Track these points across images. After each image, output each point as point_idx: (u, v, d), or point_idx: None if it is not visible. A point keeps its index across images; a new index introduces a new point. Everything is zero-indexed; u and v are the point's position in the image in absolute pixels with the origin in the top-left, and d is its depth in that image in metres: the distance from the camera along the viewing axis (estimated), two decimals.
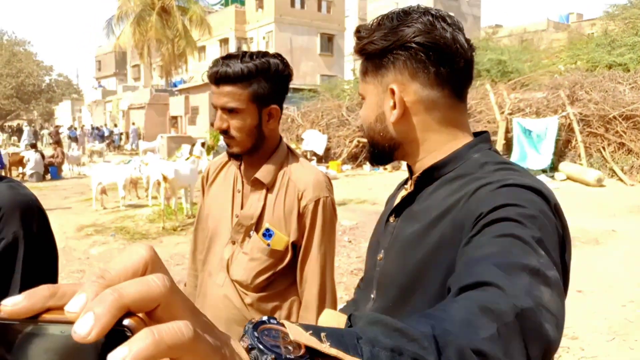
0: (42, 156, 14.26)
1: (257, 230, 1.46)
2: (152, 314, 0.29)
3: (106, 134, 27.90)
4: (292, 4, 29.95)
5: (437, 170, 0.89)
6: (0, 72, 45.11)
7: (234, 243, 1.49)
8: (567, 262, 0.73)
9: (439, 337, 0.44)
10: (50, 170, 14.46)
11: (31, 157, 13.77)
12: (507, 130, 12.08)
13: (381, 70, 0.89)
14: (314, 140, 15.48)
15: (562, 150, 11.56)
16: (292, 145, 14.50)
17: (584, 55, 14.79)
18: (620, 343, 3.56)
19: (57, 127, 27.26)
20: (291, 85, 1.50)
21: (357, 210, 8.22)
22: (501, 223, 0.66)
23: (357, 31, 0.92)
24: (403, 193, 0.97)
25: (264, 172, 1.47)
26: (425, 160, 0.91)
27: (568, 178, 10.81)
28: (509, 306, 0.51)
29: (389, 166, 12.76)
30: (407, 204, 0.92)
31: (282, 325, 0.37)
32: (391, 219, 0.96)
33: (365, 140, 1.05)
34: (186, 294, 0.34)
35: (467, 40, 0.87)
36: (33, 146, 15.00)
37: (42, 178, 14.02)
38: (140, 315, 0.29)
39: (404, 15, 0.86)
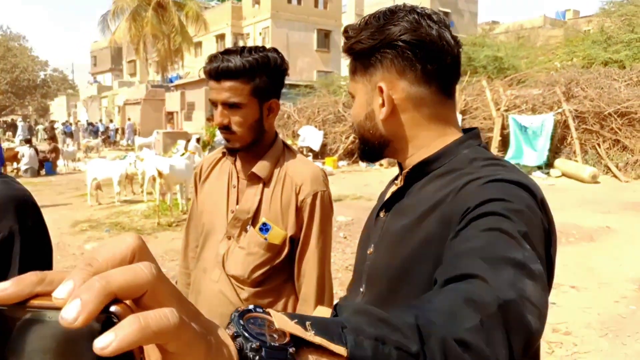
0: (37, 151, 14.20)
1: (253, 224, 1.46)
2: (138, 301, 0.29)
3: (101, 129, 27.80)
4: (289, 0, 29.86)
5: (427, 166, 0.90)
6: None
7: (229, 238, 1.49)
8: (553, 256, 0.75)
9: (423, 327, 0.45)
10: (45, 165, 14.40)
11: (25, 152, 13.70)
12: (503, 127, 12.11)
13: (369, 69, 0.90)
14: (310, 137, 15.47)
15: (557, 147, 11.60)
16: (289, 142, 14.51)
17: (580, 52, 14.84)
18: (613, 339, 3.58)
19: (52, 122, 27.17)
20: (287, 81, 1.50)
21: (352, 206, 8.23)
22: (488, 217, 0.67)
23: (345, 31, 0.93)
24: (393, 188, 0.98)
25: (260, 167, 1.47)
26: (415, 156, 0.92)
27: (563, 174, 10.85)
28: (493, 298, 0.52)
29: (384, 162, 12.77)
30: (397, 199, 0.93)
31: (268, 314, 0.38)
32: (381, 214, 0.97)
33: None
34: None
35: (454, 37, 0.89)
36: (27, 141, 14.93)
37: (37, 173, 13.96)
38: (127, 302, 0.29)
39: (390, 14, 0.87)
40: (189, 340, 0.29)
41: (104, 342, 0.26)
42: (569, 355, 3.36)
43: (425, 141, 0.91)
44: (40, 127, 28.11)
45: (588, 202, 8.40)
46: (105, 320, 0.28)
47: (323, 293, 1.48)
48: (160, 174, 7.36)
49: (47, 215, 1.14)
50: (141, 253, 0.32)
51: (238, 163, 1.53)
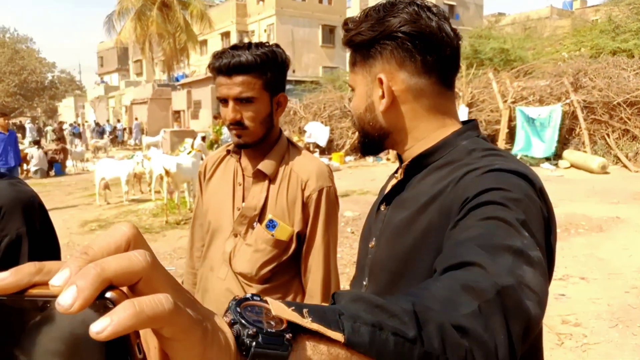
0: (45, 153, 14.32)
1: (260, 221, 1.46)
2: (134, 288, 0.30)
3: (109, 129, 27.95)
4: None
5: (426, 158, 0.90)
6: (4, 69, 45.23)
7: (236, 236, 1.49)
8: (552, 244, 0.74)
9: (420, 313, 0.45)
10: (54, 166, 14.53)
11: (34, 153, 13.82)
12: (510, 119, 12.03)
13: (369, 61, 0.90)
14: (316, 132, 15.45)
15: (565, 138, 11.50)
16: (295, 138, 14.53)
17: (588, 42, 14.67)
18: (623, 329, 3.55)
19: (61, 123, 27.37)
20: (293, 78, 1.52)
21: (360, 201, 8.22)
22: (486, 206, 0.67)
23: (345, 23, 0.94)
24: (393, 181, 0.98)
25: (266, 164, 1.47)
26: (415, 148, 0.92)
27: (572, 165, 10.77)
28: (491, 284, 0.52)
29: (391, 157, 12.74)
30: (397, 192, 0.94)
31: (265, 302, 0.38)
32: (382, 207, 0.97)
33: None
34: None
35: (454, 29, 0.89)
36: (36, 143, 15.06)
37: (46, 174, 14.09)
38: (123, 289, 0.29)
39: (390, 6, 0.88)
40: (184, 325, 0.30)
41: (100, 327, 0.27)
42: (579, 346, 3.34)
43: (425, 133, 0.91)
44: (49, 128, 28.31)
45: (597, 193, 8.33)
46: (102, 307, 0.28)
47: (329, 289, 1.48)
48: (167, 173, 7.39)
49: (57, 216, 1.16)
50: (136, 241, 0.32)
51: (243, 160, 1.54)
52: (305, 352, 0.37)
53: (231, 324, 0.35)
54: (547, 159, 11.20)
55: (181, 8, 27.50)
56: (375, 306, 0.43)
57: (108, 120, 32.13)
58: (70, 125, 27.30)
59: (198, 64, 30.02)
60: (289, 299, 1.50)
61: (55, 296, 0.28)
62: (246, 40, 1.53)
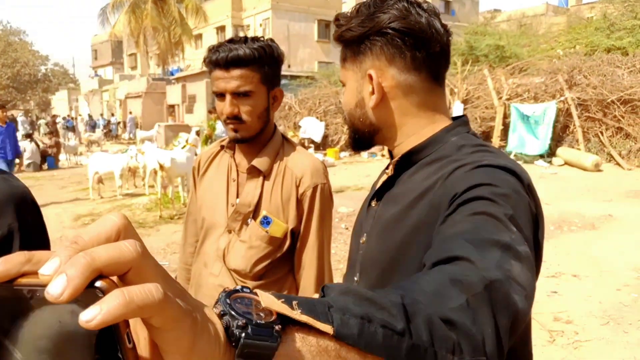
0: (38, 145, 14.23)
1: (254, 218, 1.46)
2: (124, 278, 0.30)
3: (102, 123, 27.77)
4: None
5: (416, 154, 0.91)
6: None
7: (230, 232, 1.49)
8: (540, 239, 0.75)
9: (408, 306, 0.45)
10: (48, 160, 14.45)
11: (27, 147, 13.72)
12: (505, 116, 12.05)
13: (359, 57, 0.91)
14: (311, 128, 15.43)
15: (560, 135, 11.54)
16: (290, 133, 14.49)
17: (583, 39, 14.71)
18: (615, 327, 3.58)
19: (54, 116, 27.17)
20: (288, 73, 1.51)
21: (354, 197, 8.21)
22: (475, 202, 0.68)
23: (336, 19, 0.95)
24: (384, 177, 0.99)
25: (260, 160, 1.47)
26: (405, 144, 0.93)
27: (566, 163, 10.81)
28: (479, 278, 0.52)
29: (386, 153, 12.72)
30: (387, 188, 0.94)
31: (255, 294, 0.38)
32: (373, 203, 0.98)
33: None
34: None
35: (444, 26, 0.90)
36: (28, 136, 14.95)
37: (39, 168, 14.00)
38: (113, 278, 0.30)
39: (380, 2, 0.89)
40: (174, 315, 0.30)
41: (89, 315, 0.27)
42: (570, 343, 3.36)
43: (415, 129, 0.91)
44: (42, 121, 28.12)
45: (590, 191, 8.37)
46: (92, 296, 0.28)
47: (322, 285, 1.48)
48: (161, 167, 7.37)
49: (50, 209, 1.15)
50: (126, 231, 0.32)
51: (237, 156, 1.53)
52: (294, 343, 0.37)
53: (221, 315, 0.36)
54: (541, 156, 11.24)
55: (176, 1, 27.35)
56: (365, 299, 0.43)
57: (102, 114, 31.92)
58: (64, 118, 27.11)
59: (193, 58, 29.83)
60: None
61: (44, 285, 0.28)
62: (242, 34, 1.52)
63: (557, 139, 11.48)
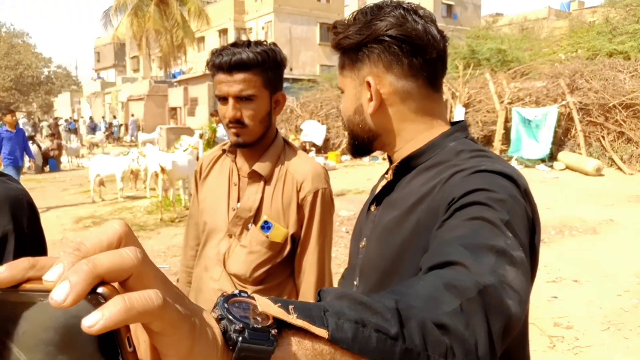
0: (39, 148, 14.26)
1: (255, 222, 1.46)
2: (125, 284, 0.31)
3: (103, 126, 27.81)
4: None
5: (415, 159, 0.92)
6: None
7: (230, 236, 1.49)
8: (537, 244, 0.76)
9: (402, 311, 0.46)
10: (49, 162, 14.48)
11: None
12: (507, 120, 12.04)
13: (357, 64, 0.92)
14: (313, 131, 15.44)
15: (561, 140, 11.52)
16: (291, 137, 14.49)
17: (585, 44, 14.68)
18: (615, 332, 3.57)
19: (56, 119, 27.22)
20: (290, 76, 1.51)
21: (355, 200, 8.21)
22: (471, 207, 0.69)
23: (334, 27, 0.96)
24: (383, 182, 0.99)
25: (262, 164, 1.47)
26: (403, 149, 0.94)
27: (567, 167, 10.79)
28: (473, 283, 0.53)
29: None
30: (386, 193, 0.96)
31: (253, 298, 0.39)
32: (372, 208, 0.99)
33: None
34: None
35: (440, 32, 0.90)
36: (30, 138, 14.98)
37: (41, 170, 14.03)
38: (114, 285, 0.31)
39: (377, 10, 0.90)
40: (173, 320, 0.31)
41: (91, 321, 0.28)
42: (571, 349, 3.35)
43: (413, 134, 0.92)
44: (44, 123, 28.19)
45: (592, 195, 8.35)
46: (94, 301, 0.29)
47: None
48: (163, 170, 7.37)
49: (51, 212, 1.15)
50: (127, 238, 0.33)
51: (238, 160, 1.53)
52: (290, 347, 0.38)
53: (219, 320, 0.36)
54: (543, 160, 11.22)
55: (178, 4, 27.42)
56: (359, 303, 0.44)
57: (104, 117, 31.97)
58: (66, 120, 27.15)
59: (195, 60, 29.93)
60: None
61: (48, 291, 0.29)
62: (244, 37, 1.52)
63: (559, 143, 11.46)
